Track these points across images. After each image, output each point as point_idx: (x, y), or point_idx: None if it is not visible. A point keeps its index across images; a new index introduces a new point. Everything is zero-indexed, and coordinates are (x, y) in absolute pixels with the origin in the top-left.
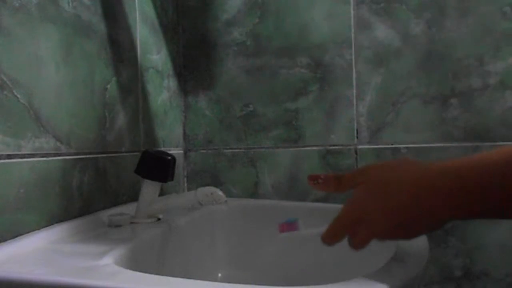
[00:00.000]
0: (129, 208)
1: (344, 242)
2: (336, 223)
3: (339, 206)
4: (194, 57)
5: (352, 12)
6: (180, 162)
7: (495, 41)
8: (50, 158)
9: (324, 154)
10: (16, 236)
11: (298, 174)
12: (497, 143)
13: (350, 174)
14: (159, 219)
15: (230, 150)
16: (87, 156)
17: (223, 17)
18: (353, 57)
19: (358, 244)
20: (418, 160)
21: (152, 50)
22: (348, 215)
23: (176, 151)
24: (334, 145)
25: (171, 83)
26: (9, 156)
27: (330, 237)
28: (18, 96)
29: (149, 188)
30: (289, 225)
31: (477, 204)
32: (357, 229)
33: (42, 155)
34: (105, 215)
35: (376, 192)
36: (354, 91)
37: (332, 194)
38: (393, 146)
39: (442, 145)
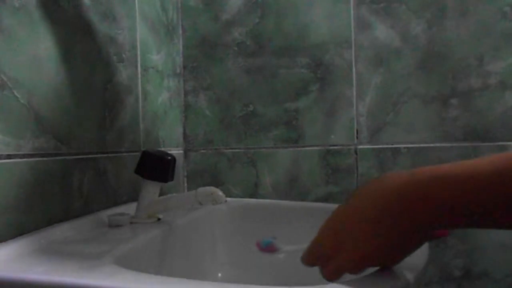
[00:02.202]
0: (129, 208)
1: None
2: (309, 252)
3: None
4: (194, 57)
5: (352, 12)
6: (180, 162)
7: (495, 41)
8: (50, 158)
9: (324, 154)
10: (16, 236)
11: (298, 174)
12: (497, 143)
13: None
14: (159, 219)
15: (230, 150)
16: (87, 156)
17: (223, 17)
18: (353, 57)
19: (328, 274)
20: (402, 170)
21: (152, 50)
22: (319, 245)
23: (176, 151)
24: (334, 145)
25: (171, 83)
26: (9, 156)
27: (306, 263)
28: (18, 96)
29: (149, 188)
30: (268, 247)
31: (468, 214)
32: (328, 260)
33: (42, 155)
34: (105, 215)
35: (349, 212)
36: (354, 91)
37: (332, 195)
38: (393, 146)
39: (442, 145)
